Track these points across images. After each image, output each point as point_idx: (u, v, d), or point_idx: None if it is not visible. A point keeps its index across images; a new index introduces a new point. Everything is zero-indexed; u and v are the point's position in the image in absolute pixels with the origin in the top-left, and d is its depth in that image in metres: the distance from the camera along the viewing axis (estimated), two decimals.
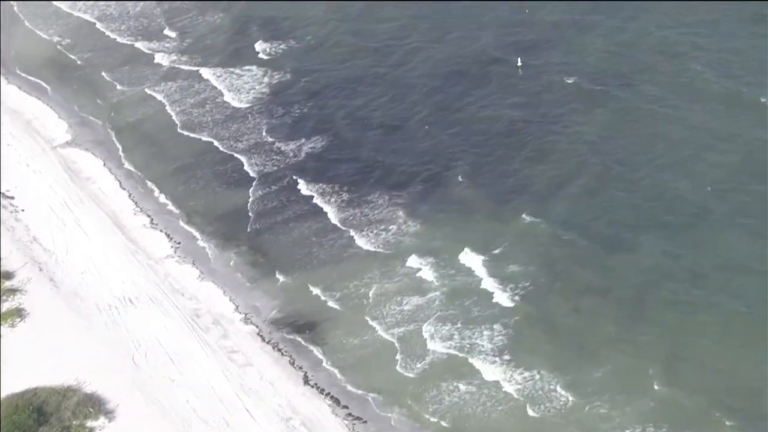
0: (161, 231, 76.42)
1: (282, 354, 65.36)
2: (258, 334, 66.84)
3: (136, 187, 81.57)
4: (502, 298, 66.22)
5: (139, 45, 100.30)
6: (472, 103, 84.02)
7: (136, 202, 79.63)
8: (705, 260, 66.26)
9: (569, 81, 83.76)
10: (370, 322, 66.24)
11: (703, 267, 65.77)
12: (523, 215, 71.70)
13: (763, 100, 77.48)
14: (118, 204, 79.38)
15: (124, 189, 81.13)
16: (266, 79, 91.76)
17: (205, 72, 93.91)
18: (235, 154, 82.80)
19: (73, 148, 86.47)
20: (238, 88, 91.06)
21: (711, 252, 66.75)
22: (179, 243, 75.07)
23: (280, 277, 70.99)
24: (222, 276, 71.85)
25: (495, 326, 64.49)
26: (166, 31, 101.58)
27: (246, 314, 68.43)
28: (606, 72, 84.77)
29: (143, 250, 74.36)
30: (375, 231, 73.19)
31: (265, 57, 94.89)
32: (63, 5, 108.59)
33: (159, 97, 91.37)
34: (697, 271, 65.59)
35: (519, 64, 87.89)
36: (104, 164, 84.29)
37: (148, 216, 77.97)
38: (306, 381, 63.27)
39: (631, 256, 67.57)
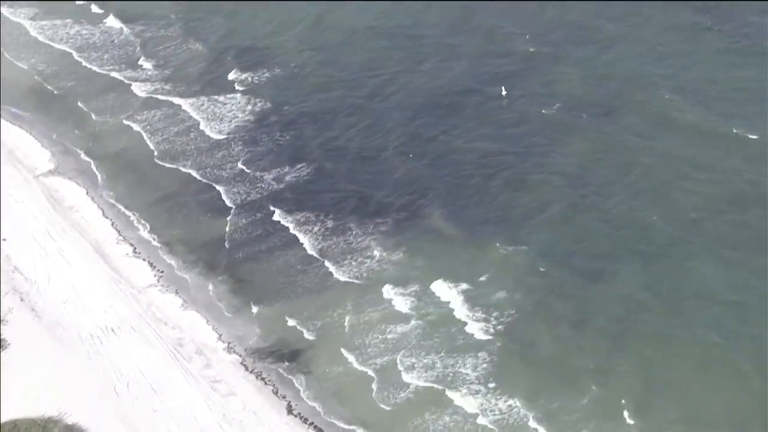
0: (144, 260, 76.07)
1: (265, 383, 65.19)
2: (241, 363, 66.65)
3: (119, 216, 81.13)
4: (479, 329, 66.50)
5: (115, 75, 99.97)
6: (448, 132, 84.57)
7: (119, 231, 79.28)
8: (681, 290, 67.00)
9: (545, 111, 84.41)
10: (347, 354, 66.28)
11: (679, 297, 66.47)
12: (500, 245, 72.10)
13: (735, 131, 78.59)
14: (101, 233, 78.94)
15: (107, 218, 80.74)
16: (244, 109, 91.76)
17: (182, 102, 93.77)
18: (214, 184, 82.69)
19: (56, 177, 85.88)
20: (215, 118, 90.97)
21: (687, 282, 67.47)
22: (162, 272, 74.78)
23: (261, 307, 70.89)
24: (205, 305, 71.67)
25: (471, 357, 64.70)
26: (142, 61, 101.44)
27: (229, 343, 68.23)
28: (582, 101, 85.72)
29: (126, 279, 73.97)
30: (352, 261, 73.31)
31: (242, 87, 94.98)
32: (40, 36, 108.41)
33: (136, 127, 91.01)
34: (673, 301, 66.26)
35: (503, 93, 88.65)
36: (87, 193, 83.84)
37: (131, 245, 77.66)
38: (290, 410, 63.16)
39: (608, 286, 68.14)
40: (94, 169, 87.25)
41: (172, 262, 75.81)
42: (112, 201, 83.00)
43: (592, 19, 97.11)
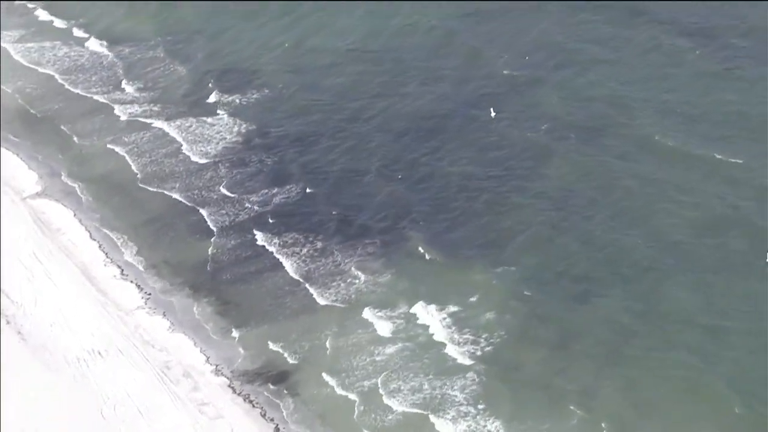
0: (131, 282, 75.60)
1: (253, 406, 64.73)
2: (229, 385, 66.21)
3: (106, 238, 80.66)
4: (461, 353, 66.25)
5: (99, 98, 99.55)
6: (430, 154, 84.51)
7: (106, 253, 78.78)
8: (664, 313, 66.99)
9: (529, 134, 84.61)
10: (330, 377, 65.78)
11: (662, 320, 66.49)
12: (484, 267, 71.91)
13: (718, 156, 78.93)
14: (88, 255, 78.44)
15: (95, 240, 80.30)
16: (227, 132, 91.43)
17: (165, 125, 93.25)
18: (199, 207, 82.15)
19: (43, 199, 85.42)
20: (198, 140, 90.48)
21: (670, 305, 67.46)
22: (149, 294, 74.35)
23: (249, 329, 70.51)
24: (192, 327, 71.23)
25: (457, 381, 64.39)
26: (125, 84, 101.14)
27: (217, 366, 67.81)
28: (565, 124, 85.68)
29: (113, 301, 73.45)
30: (335, 284, 72.97)
31: (225, 109, 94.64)
32: (22, 59, 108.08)
33: (120, 150, 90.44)
34: (656, 324, 66.26)
35: (492, 114, 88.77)
36: (74, 215, 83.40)
37: (119, 267, 77.17)
38: None
39: (593, 308, 68.07)
40: (79, 191, 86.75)
41: (160, 285, 75.39)
42: (98, 223, 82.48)
43: (575, 41, 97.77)
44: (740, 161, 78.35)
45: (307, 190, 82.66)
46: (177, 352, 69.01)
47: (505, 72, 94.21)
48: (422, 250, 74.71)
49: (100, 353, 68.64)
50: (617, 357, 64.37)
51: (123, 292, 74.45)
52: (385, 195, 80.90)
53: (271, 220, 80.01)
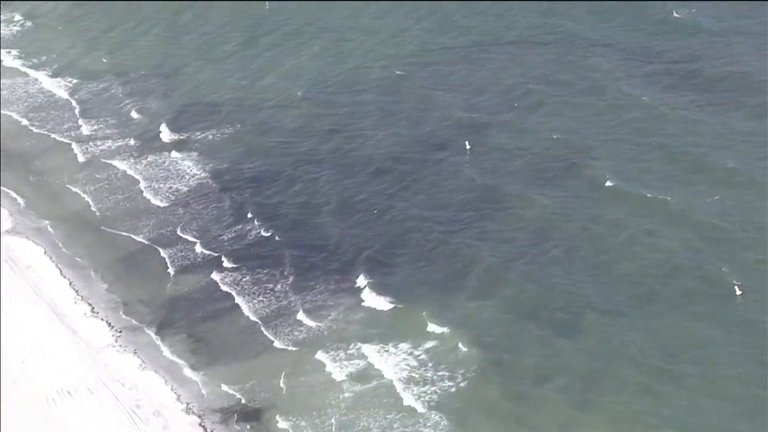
0: (102, 320, 74.21)
1: None
2: (200, 424, 64.72)
3: (77, 275, 79.23)
4: (414, 397, 64.75)
5: (56, 136, 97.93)
6: (381, 193, 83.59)
7: (76, 291, 77.39)
8: (646, 345, 66.24)
9: (483, 176, 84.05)
10: (294, 418, 64.72)
11: (644, 353, 65.72)
12: (436, 311, 70.87)
13: (669, 199, 77.94)
14: (58, 293, 76.96)
15: (65, 277, 78.87)
16: (183, 172, 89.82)
17: (123, 164, 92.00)
18: (160, 248, 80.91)
19: (13, 237, 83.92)
20: (155, 179, 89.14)
21: (652, 336, 66.80)
22: (120, 332, 72.93)
23: (220, 367, 69.25)
24: (163, 365, 69.81)
25: (407, 427, 63.26)
26: (82, 122, 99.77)
27: (188, 404, 66.36)
28: (518, 166, 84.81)
29: (84, 339, 71.95)
30: (290, 326, 71.47)
31: (180, 149, 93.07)
32: None
33: (79, 190, 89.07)
34: (638, 356, 65.52)
35: (467, 147, 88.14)
36: (45, 252, 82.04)
37: (89, 304, 75.73)
38: None
39: (575, 341, 67.27)
40: (50, 229, 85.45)
41: (131, 322, 74.05)
42: (72, 259, 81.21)
43: (527, 81, 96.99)
44: (684, 205, 77.31)
45: (263, 233, 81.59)
46: (148, 390, 67.51)
47: (458, 114, 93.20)
48: (375, 293, 73.57)
49: (69, 392, 67.06)
50: (603, 389, 63.48)
51: (93, 330, 73.01)
52: (339, 236, 79.77)
53: (229, 264, 78.42)
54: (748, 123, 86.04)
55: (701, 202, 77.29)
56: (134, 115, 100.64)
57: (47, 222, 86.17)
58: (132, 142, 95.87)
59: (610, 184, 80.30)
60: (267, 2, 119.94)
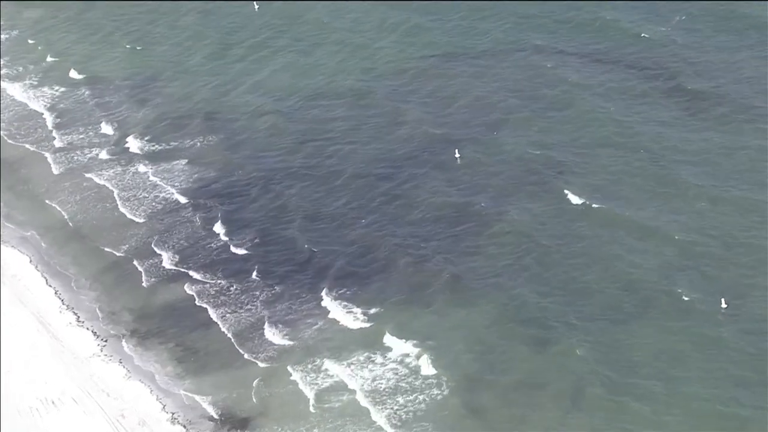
0: (87, 329, 72.90)
1: None
2: None
3: (63, 284, 78.11)
4: (384, 417, 63.27)
5: (29, 147, 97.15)
6: (343, 208, 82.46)
7: (62, 300, 76.17)
8: (631, 355, 65.26)
9: (450, 194, 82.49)
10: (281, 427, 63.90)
11: (630, 361, 64.79)
12: (427, 316, 69.92)
13: (633, 217, 77.26)
14: (44, 302, 75.76)
15: (51, 286, 77.73)
16: (154, 185, 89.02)
17: (96, 176, 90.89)
18: (156, 253, 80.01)
19: None
20: (126, 189, 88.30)
21: (635, 346, 65.77)
22: (105, 341, 71.66)
23: (204, 377, 68.02)
24: (148, 375, 68.54)
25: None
26: (56, 134, 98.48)
27: (173, 414, 64.97)
28: (536, 163, 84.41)
29: (69, 348, 70.67)
30: (262, 340, 70.39)
31: (146, 162, 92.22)
32: None
33: (54, 203, 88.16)
34: (623, 365, 64.50)
35: (457, 155, 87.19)
36: (30, 261, 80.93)
37: (75, 314, 74.49)
38: None
39: (560, 352, 66.06)
40: (38, 237, 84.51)
41: (116, 332, 72.79)
42: (56, 270, 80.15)
43: (494, 96, 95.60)
44: (655, 224, 76.10)
45: (232, 249, 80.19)
46: (133, 400, 66.15)
47: (427, 128, 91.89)
48: (345, 307, 72.36)
49: (54, 402, 65.72)
50: (589, 398, 62.34)
51: (79, 339, 71.77)
52: (306, 255, 78.01)
53: (200, 276, 77.09)
54: (724, 136, 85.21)
55: (674, 218, 76.47)
56: (105, 127, 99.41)
57: (33, 231, 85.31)
58: (103, 154, 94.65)
59: (580, 201, 79.32)
60: (256, 3, 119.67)
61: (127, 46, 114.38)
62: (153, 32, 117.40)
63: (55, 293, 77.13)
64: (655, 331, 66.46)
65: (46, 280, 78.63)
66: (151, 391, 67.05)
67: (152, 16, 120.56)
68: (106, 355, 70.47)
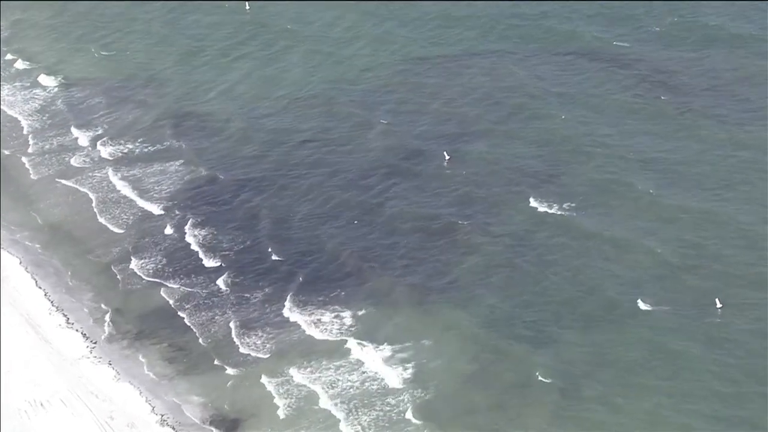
0: (77, 331, 72.03)
1: None
2: None
3: (53, 286, 77.18)
4: (362, 420, 62.99)
5: (5, 152, 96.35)
6: (310, 221, 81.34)
7: (52, 302, 75.27)
8: (621, 354, 65.09)
9: (420, 207, 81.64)
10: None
11: (623, 360, 64.59)
12: (412, 320, 69.53)
13: (608, 233, 76.26)
14: (34, 303, 74.87)
15: (41, 288, 76.79)
16: (160, 181, 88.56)
17: (70, 182, 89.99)
18: (146, 257, 79.17)
19: None
20: (117, 196, 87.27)
21: (626, 345, 65.65)
22: (95, 343, 70.74)
23: (194, 378, 67.32)
24: (138, 376, 67.67)
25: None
26: (31, 139, 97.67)
27: (162, 415, 64.11)
28: (510, 173, 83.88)
29: (57, 350, 69.73)
30: (241, 348, 69.84)
31: (109, 165, 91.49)
32: None
33: (39, 208, 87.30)
34: (617, 364, 64.28)
35: (446, 157, 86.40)
36: (20, 263, 79.94)
37: (64, 315, 73.58)
38: None
39: (552, 351, 65.81)
40: (27, 240, 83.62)
41: (106, 333, 71.93)
42: (46, 272, 79.34)
43: (465, 105, 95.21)
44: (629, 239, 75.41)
45: (205, 255, 78.92)
46: (122, 402, 65.23)
47: (395, 138, 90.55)
48: (312, 316, 71.36)
49: (42, 404, 64.77)
50: (583, 399, 62.01)
51: (68, 341, 70.85)
52: (284, 272, 76.49)
53: (177, 283, 76.12)
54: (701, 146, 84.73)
55: (650, 228, 75.82)
56: (78, 132, 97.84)
57: (22, 234, 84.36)
58: (75, 160, 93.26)
59: (551, 211, 78.79)
60: (247, 3, 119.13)
61: (97, 53, 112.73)
62: (124, 38, 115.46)
63: (45, 295, 76.16)
64: (624, 339, 66.33)
65: (36, 282, 77.66)
66: (140, 393, 66.15)
67: (122, 22, 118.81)
68: (95, 357, 69.56)
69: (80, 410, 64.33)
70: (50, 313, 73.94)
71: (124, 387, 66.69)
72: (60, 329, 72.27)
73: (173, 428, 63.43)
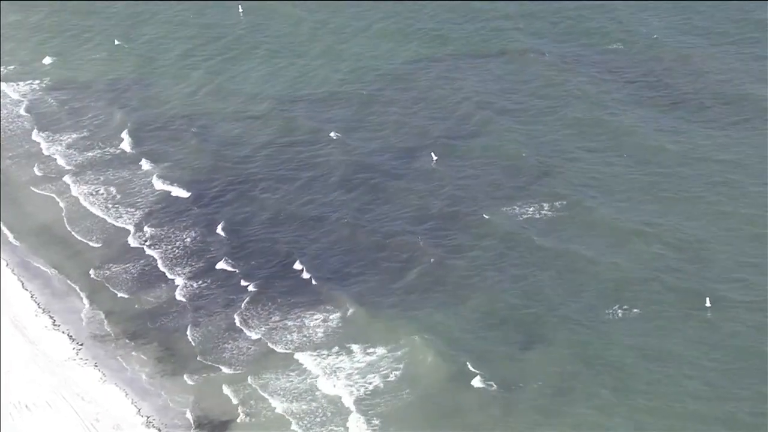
0: (63, 332, 71.05)
1: None
2: None
3: (39, 288, 76.36)
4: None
5: None
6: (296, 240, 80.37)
7: (38, 303, 74.36)
8: (611, 354, 64.83)
9: (388, 225, 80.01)
10: None
11: (610, 362, 64.22)
12: (425, 319, 68.90)
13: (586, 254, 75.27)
14: (20, 305, 73.88)
15: (27, 290, 75.84)
16: (154, 180, 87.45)
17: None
18: (137, 259, 78.60)
19: None
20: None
21: (612, 346, 65.43)
22: (81, 344, 69.80)
23: (182, 379, 66.56)
24: (124, 378, 66.77)
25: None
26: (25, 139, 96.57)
27: (148, 418, 63.19)
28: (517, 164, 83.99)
29: (43, 352, 68.75)
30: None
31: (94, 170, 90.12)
32: None
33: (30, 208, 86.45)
34: (606, 366, 63.92)
35: (434, 159, 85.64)
36: (6, 264, 78.91)
37: (51, 317, 72.65)
38: None
39: (542, 352, 65.56)
40: (13, 241, 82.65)
41: (92, 335, 71.05)
42: (32, 273, 78.49)
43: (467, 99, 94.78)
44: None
45: (205, 252, 78.56)
46: (108, 404, 64.29)
47: (397, 128, 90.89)
48: (316, 312, 71.06)
49: (27, 406, 63.82)
50: (574, 400, 61.78)
51: (54, 343, 69.92)
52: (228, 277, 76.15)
53: (181, 281, 75.59)
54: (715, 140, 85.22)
55: (657, 220, 76.04)
56: (76, 132, 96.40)
57: (8, 235, 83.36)
58: (72, 159, 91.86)
59: (559, 203, 78.76)
60: (240, 4, 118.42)
61: (92, 56, 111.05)
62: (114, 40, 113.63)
63: (31, 296, 75.25)
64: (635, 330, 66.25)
65: (22, 284, 76.70)
66: (127, 395, 65.22)
67: (111, 25, 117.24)
68: (81, 358, 68.61)
69: (66, 412, 63.38)
70: (36, 315, 72.97)
71: (110, 389, 65.76)
72: (46, 331, 71.29)
73: (159, 430, 62.53)
